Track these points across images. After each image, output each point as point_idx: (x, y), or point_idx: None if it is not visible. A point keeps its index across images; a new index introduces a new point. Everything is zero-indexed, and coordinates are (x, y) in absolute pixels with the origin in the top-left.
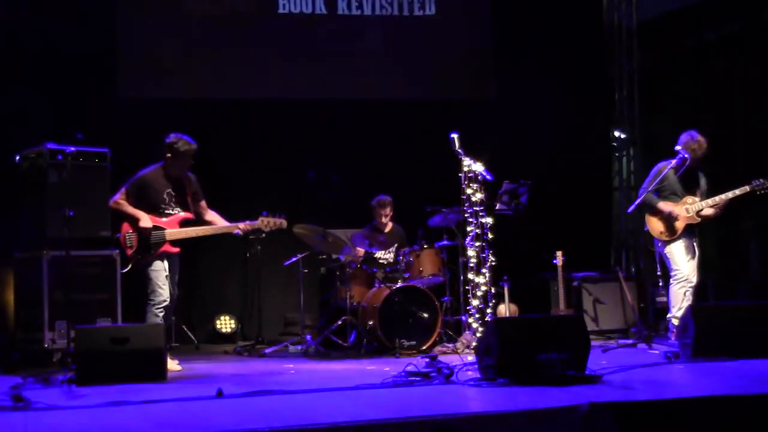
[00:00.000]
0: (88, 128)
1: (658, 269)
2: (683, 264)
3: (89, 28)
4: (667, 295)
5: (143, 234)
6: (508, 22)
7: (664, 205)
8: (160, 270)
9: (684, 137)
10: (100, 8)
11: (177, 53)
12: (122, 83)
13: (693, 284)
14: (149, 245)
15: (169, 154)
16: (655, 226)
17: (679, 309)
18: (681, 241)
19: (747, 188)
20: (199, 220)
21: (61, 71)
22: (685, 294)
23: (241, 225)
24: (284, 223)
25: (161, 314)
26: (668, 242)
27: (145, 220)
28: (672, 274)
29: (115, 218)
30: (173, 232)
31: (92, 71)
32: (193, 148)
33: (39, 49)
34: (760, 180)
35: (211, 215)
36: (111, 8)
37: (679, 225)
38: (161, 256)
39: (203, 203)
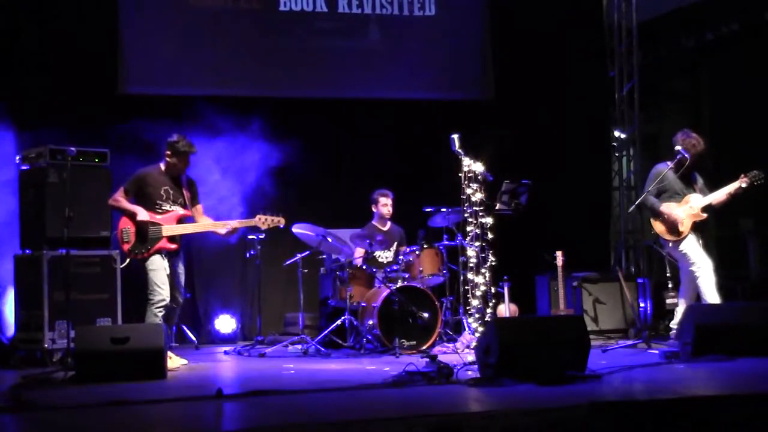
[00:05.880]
0: (89, 126)
1: (668, 270)
2: (701, 257)
3: (90, 25)
4: (679, 295)
5: (140, 227)
6: (507, 22)
7: (666, 209)
8: (160, 269)
9: (679, 136)
10: (101, 4)
11: (178, 51)
12: (123, 80)
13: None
14: (146, 240)
15: (168, 152)
16: (660, 227)
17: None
18: (691, 238)
19: (745, 180)
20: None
21: (62, 69)
22: (712, 284)
23: (236, 222)
24: (282, 220)
25: (161, 314)
26: (679, 242)
27: (142, 214)
28: (693, 269)
29: (114, 216)
30: (170, 228)
31: (93, 68)
32: (193, 150)
33: (40, 46)
34: (755, 172)
35: (205, 220)
36: (113, 4)
37: (687, 224)
38: (160, 252)
39: (200, 207)
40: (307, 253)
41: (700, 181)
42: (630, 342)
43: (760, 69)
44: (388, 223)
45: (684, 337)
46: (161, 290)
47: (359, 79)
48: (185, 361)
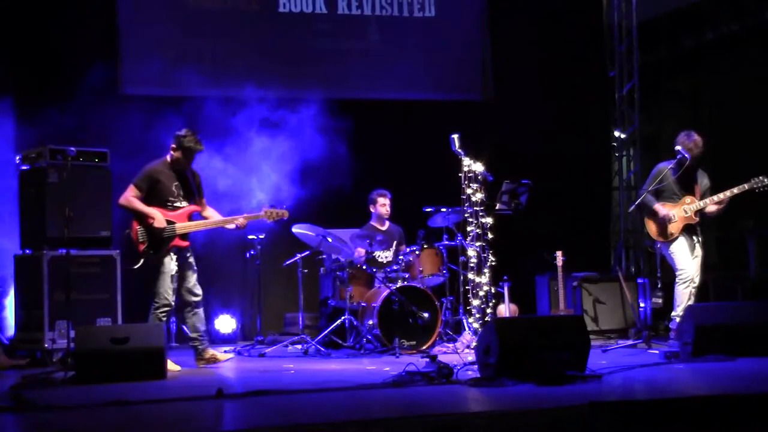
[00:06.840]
0: (90, 126)
1: (659, 270)
2: (687, 264)
3: (91, 25)
4: (673, 294)
5: (157, 231)
6: (507, 22)
7: (660, 208)
8: (169, 273)
9: (681, 137)
10: (101, 5)
11: (177, 52)
12: (122, 80)
13: (696, 284)
14: (161, 240)
15: (174, 146)
16: (652, 227)
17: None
18: (681, 240)
19: (746, 186)
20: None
21: (62, 69)
22: (690, 294)
23: (242, 218)
24: (286, 213)
25: (164, 318)
26: (669, 243)
27: (160, 221)
28: (677, 274)
29: (115, 216)
30: (183, 226)
31: (94, 68)
32: (200, 147)
33: (41, 47)
34: (759, 177)
35: (209, 211)
36: (112, 5)
37: (677, 226)
38: (171, 250)
39: (203, 200)
40: (307, 253)
41: (704, 182)
42: (630, 342)
43: (760, 69)
44: (387, 223)
45: (684, 337)
46: (167, 295)
47: (359, 80)
48: (178, 368)
